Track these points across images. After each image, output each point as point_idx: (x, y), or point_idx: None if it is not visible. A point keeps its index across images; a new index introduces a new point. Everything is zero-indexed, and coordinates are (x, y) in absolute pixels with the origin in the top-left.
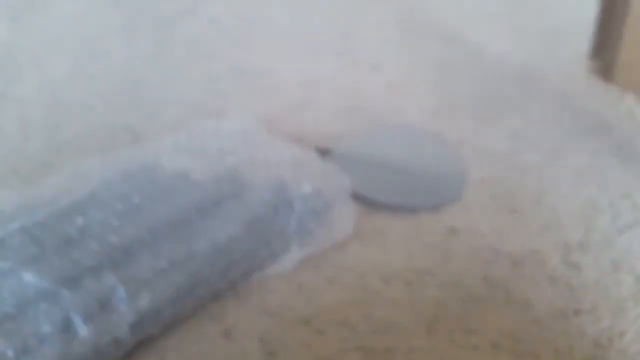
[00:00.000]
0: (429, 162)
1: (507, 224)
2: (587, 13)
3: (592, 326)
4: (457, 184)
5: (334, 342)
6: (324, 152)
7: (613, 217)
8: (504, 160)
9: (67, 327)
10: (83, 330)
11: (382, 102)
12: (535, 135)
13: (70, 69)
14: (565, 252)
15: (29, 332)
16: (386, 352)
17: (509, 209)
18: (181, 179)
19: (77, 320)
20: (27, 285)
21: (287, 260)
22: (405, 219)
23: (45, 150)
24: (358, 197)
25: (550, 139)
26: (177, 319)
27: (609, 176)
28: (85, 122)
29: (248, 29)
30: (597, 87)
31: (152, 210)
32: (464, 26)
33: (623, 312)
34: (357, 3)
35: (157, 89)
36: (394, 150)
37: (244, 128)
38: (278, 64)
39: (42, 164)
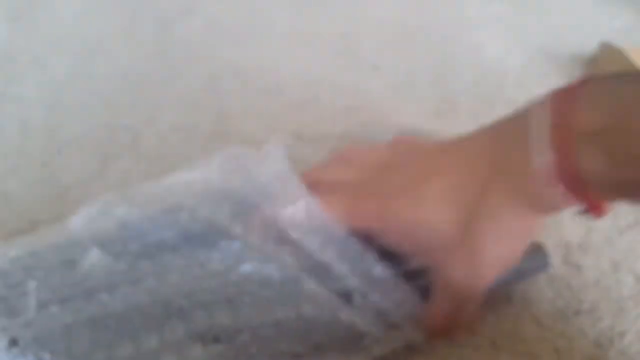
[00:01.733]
0: None
1: None
2: (587, 13)
3: (592, 326)
4: None
5: None
6: None
7: (613, 217)
8: None
9: None
10: None
11: (382, 102)
12: None
13: (70, 69)
14: (565, 252)
15: None
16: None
17: None
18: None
19: None
20: None
21: None
22: None
23: (45, 151)
24: None
25: None
26: None
27: None
28: (85, 122)
29: (248, 29)
30: None
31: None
32: (464, 26)
33: (623, 313)
34: (357, 3)
35: (157, 89)
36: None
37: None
38: (278, 64)
39: (42, 164)
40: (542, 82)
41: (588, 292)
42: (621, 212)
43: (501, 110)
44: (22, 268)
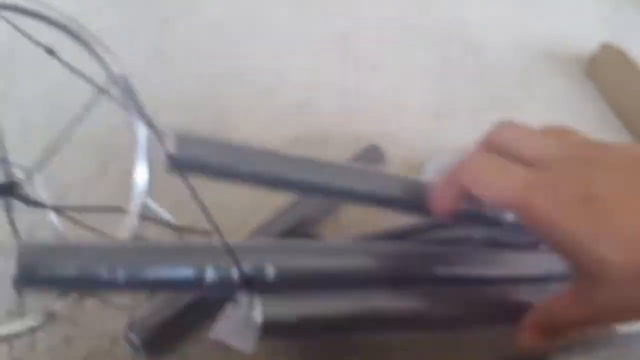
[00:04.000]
0: None
1: None
2: (587, 14)
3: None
4: None
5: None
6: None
7: None
8: None
9: None
10: None
11: (382, 103)
12: None
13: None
14: None
15: None
16: (383, 349)
17: None
18: None
19: None
20: None
21: None
22: None
23: (45, 150)
24: None
25: None
26: None
27: None
28: (85, 122)
29: (248, 29)
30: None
31: None
32: (464, 26)
33: None
34: (357, 3)
35: (156, 89)
36: None
37: None
38: (278, 64)
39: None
40: (542, 82)
41: None
42: None
43: (501, 110)
44: None
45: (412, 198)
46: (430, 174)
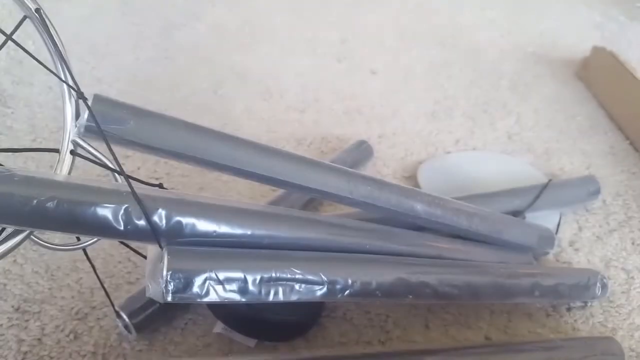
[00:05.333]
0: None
1: None
2: (579, 19)
3: (585, 323)
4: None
5: (335, 336)
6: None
7: (605, 216)
8: None
9: None
10: None
11: (381, 105)
12: (530, 137)
13: (77, 73)
14: (557, 250)
15: None
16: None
17: None
18: None
19: None
20: None
21: None
22: None
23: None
24: None
25: (545, 141)
26: None
27: (600, 176)
28: None
29: (250, 35)
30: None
31: None
32: (460, 31)
33: (615, 309)
34: (356, 7)
35: (162, 93)
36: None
37: None
38: (279, 68)
39: (50, 165)
40: (536, 84)
41: None
42: (611, 210)
43: (496, 112)
44: None
45: None
46: (423, 176)
